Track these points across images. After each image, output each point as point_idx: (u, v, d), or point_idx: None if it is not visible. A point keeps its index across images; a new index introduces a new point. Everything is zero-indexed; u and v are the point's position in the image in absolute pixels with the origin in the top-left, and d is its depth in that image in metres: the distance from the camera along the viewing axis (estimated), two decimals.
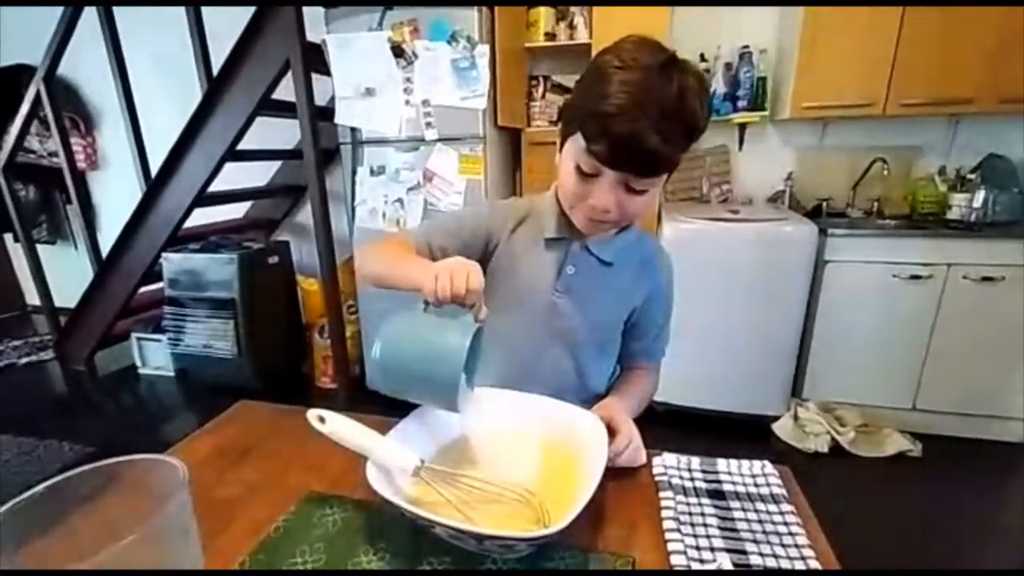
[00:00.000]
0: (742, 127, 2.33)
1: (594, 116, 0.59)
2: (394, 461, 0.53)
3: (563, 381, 0.80)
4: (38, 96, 2.42)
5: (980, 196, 1.89)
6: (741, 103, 2.20)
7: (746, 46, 2.17)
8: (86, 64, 2.79)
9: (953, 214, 1.96)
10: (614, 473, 0.61)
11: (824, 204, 2.25)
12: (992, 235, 1.79)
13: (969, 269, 1.80)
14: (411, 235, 0.77)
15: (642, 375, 0.86)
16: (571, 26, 2.21)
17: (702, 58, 2.27)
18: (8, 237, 3.54)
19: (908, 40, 1.86)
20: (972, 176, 2.03)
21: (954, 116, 2.10)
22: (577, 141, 0.63)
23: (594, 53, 2.35)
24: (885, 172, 2.14)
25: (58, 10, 2.29)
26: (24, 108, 2.46)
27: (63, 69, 2.53)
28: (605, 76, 0.60)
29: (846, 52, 1.92)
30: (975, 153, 2.10)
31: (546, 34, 2.23)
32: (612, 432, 0.64)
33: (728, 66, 2.22)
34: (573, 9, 2.21)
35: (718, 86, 2.22)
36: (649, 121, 0.57)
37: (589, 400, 0.81)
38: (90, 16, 2.29)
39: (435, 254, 0.74)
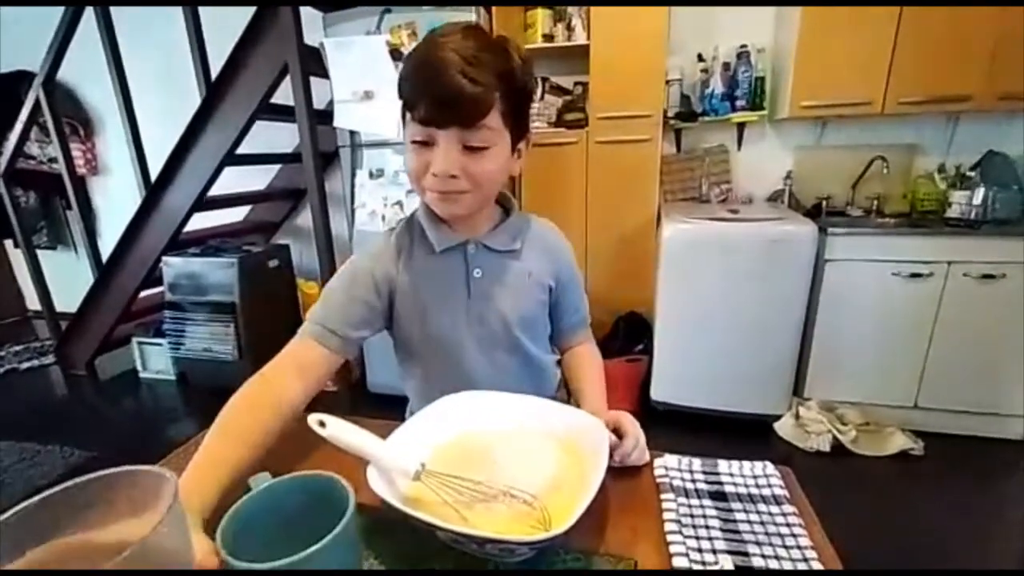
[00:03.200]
0: (741, 126, 2.33)
1: (407, 80, 0.64)
2: (395, 465, 0.53)
3: (516, 379, 0.80)
4: (38, 102, 2.42)
5: (980, 193, 1.89)
6: (739, 103, 2.20)
7: (744, 46, 2.17)
8: (85, 70, 2.79)
9: (953, 212, 1.96)
10: (615, 475, 0.61)
11: (824, 203, 2.25)
12: (992, 232, 1.79)
13: (969, 267, 1.80)
14: (305, 335, 0.71)
15: (585, 352, 0.87)
16: (569, 28, 2.22)
17: (700, 58, 2.28)
18: (9, 243, 3.54)
19: (906, 38, 1.86)
20: (972, 173, 2.03)
21: (953, 113, 2.10)
22: (408, 117, 0.66)
23: (592, 54, 2.35)
24: (884, 170, 2.14)
25: (57, 16, 2.30)
26: (24, 114, 2.47)
27: (62, 75, 2.53)
28: (418, 50, 0.65)
29: (844, 51, 1.92)
30: (974, 150, 2.10)
31: (544, 36, 2.24)
32: (618, 433, 0.65)
33: (726, 66, 2.22)
34: (571, 10, 2.21)
35: (716, 86, 2.22)
36: (453, 67, 0.59)
37: (551, 390, 0.85)
38: (89, 21, 2.30)
39: (340, 334, 0.70)
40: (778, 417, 2.01)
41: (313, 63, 2.01)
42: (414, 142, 0.66)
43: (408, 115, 0.65)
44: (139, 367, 2.75)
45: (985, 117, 2.05)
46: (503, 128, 0.66)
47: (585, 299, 0.89)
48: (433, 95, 0.61)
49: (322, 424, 0.53)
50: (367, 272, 0.74)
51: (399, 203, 2.07)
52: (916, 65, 1.87)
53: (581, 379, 0.83)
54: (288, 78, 2.03)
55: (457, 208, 0.69)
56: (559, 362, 0.90)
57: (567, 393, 0.89)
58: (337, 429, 0.53)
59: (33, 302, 3.45)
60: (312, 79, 2.04)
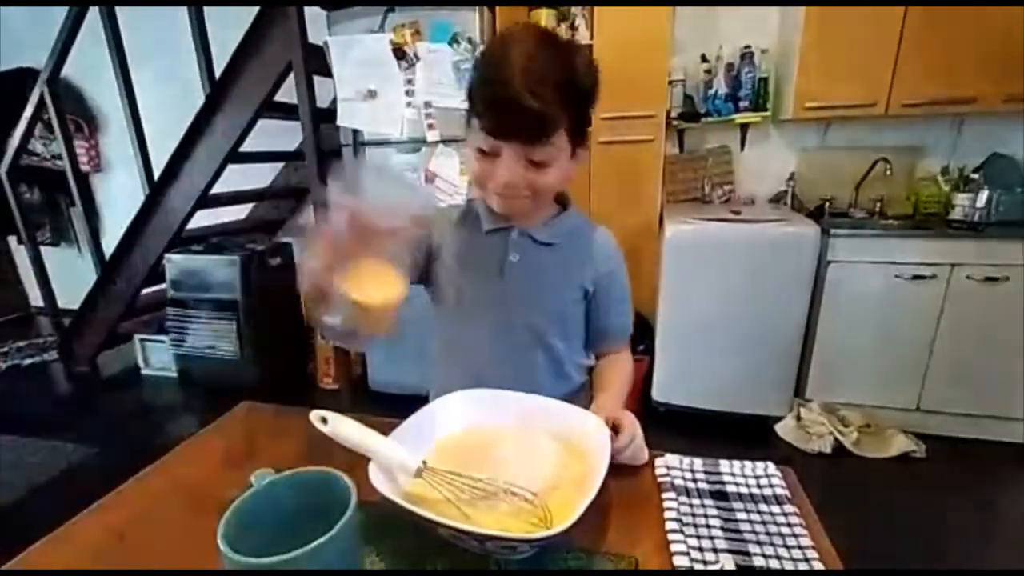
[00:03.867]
0: (744, 127, 2.33)
1: (477, 92, 0.65)
2: (397, 461, 0.53)
3: (537, 370, 0.80)
4: (42, 99, 2.43)
5: (983, 196, 1.89)
6: (743, 103, 2.20)
7: (748, 46, 2.17)
8: (89, 67, 2.80)
9: (956, 214, 1.95)
10: (617, 474, 0.61)
11: (827, 204, 2.24)
12: (996, 235, 1.79)
13: (972, 269, 1.80)
14: None
15: (617, 360, 0.87)
16: (572, 27, 2.21)
17: (703, 58, 2.27)
18: (12, 239, 3.56)
19: (910, 39, 1.85)
20: (975, 176, 2.02)
21: (957, 115, 2.09)
22: (474, 123, 0.67)
23: (596, 54, 2.35)
24: (888, 172, 2.13)
25: (61, 14, 2.30)
26: (28, 111, 2.48)
27: (67, 72, 2.54)
28: (489, 56, 0.66)
29: (848, 52, 1.92)
30: (978, 152, 2.10)
31: None
32: (616, 429, 0.64)
33: (730, 66, 2.21)
34: (574, 11, 2.21)
35: (719, 86, 2.22)
36: (523, 84, 0.60)
37: (573, 390, 0.83)
38: (93, 19, 2.30)
39: None
40: (779, 418, 2.01)
41: (316, 62, 2.02)
42: (480, 151, 0.67)
43: (476, 123, 0.66)
44: (141, 364, 2.75)
45: (989, 119, 2.04)
46: (566, 142, 0.67)
47: (630, 313, 0.88)
48: (499, 110, 0.62)
49: (324, 420, 0.53)
50: (425, 230, 0.79)
51: None
52: (920, 67, 1.87)
53: (600, 383, 0.83)
54: (291, 76, 2.03)
55: (517, 211, 0.73)
56: (589, 369, 0.89)
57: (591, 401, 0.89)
58: (339, 426, 0.53)
59: (36, 298, 3.46)
60: (315, 78, 2.04)
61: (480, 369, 0.76)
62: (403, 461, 0.53)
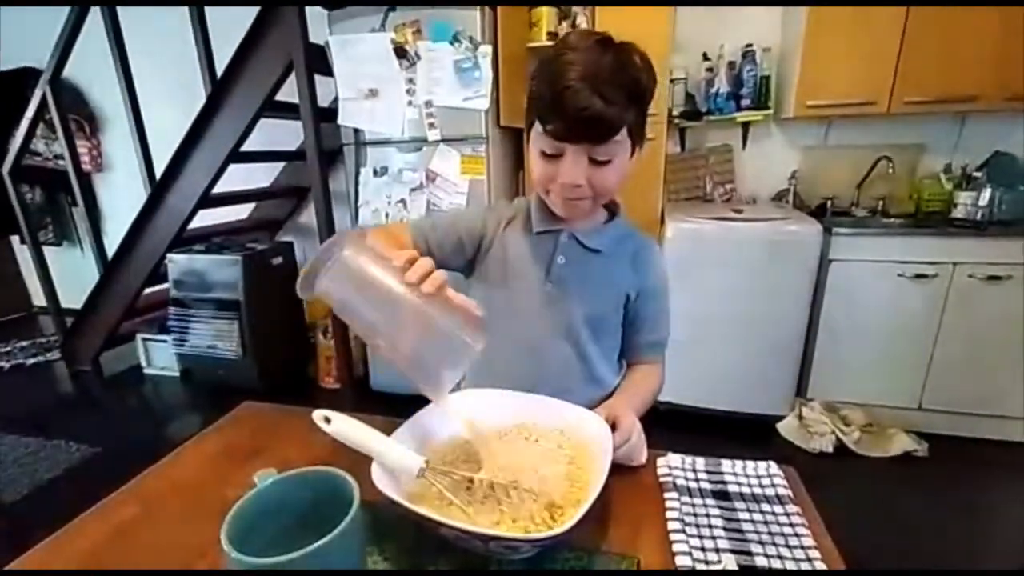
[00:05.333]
0: (745, 126, 2.32)
1: (543, 97, 0.65)
2: (399, 462, 0.53)
3: (571, 373, 0.81)
4: (44, 99, 2.43)
5: (986, 194, 1.88)
6: (744, 102, 2.19)
7: (749, 44, 2.16)
8: (91, 67, 2.80)
9: (959, 212, 1.95)
10: (619, 474, 0.61)
11: (828, 203, 2.24)
12: (998, 233, 1.78)
13: (975, 268, 1.79)
14: (411, 226, 0.81)
15: (647, 371, 0.87)
16: (574, 26, 2.21)
17: (705, 57, 2.27)
18: (15, 239, 3.57)
19: (913, 37, 1.85)
20: (978, 174, 2.02)
21: (960, 114, 2.08)
22: (537, 128, 0.68)
23: None
24: (890, 170, 2.13)
25: (63, 13, 2.31)
26: (30, 111, 2.48)
27: (68, 72, 2.54)
28: (549, 63, 0.66)
29: (850, 50, 1.91)
30: (981, 151, 2.09)
31: (549, 34, 2.23)
32: (613, 428, 0.64)
33: (731, 65, 2.21)
34: (576, 8, 2.20)
35: (721, 85, 2.22)
36: (589, 87, 0.61)
37: (604, 396, 0.82)
38: (95, 19, 2.31)
39: (431, 248, 0.79)
40: (781, 417, 2.01)
41: (318, 60, 2.02)
42: (544, 154, 0.69)
43: (538, 127, 0.67)
44: (144, 363, 2.76)
45: (992, 117, 2.04)
46: (627, 140, 0.69)
47: (668, 324, 0.88)
48: (568, 115, 0.63)
49: (327, 420, 0.53)
50: (477, 217, 0.83)
51: (403, 201, 2.07)
52: (923, 65, 1.86)
53: (622, 387, 0.83)
54: (293, 75, 2.03)
55: (577, 212, 0.74)
56: (621, 376, 0.89)
57: None
58: (342, 425, 0.53)
59: (39, 298, 3.47)
60: (317, 77, 2.04)
61: (514, 368, 0.77)
62: (405, 461, 0.53)
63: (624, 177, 0.72)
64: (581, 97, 0.61)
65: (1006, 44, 1.78)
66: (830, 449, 1.86)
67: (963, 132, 2.14)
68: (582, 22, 2.18)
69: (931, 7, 1.80)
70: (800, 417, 1.97)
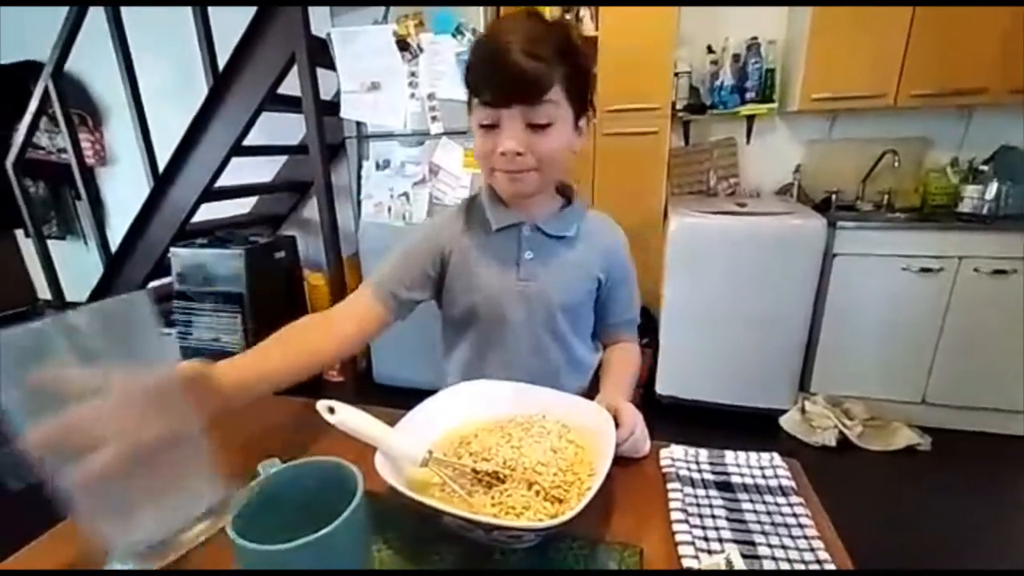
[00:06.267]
0: (750, 119, 2.31)
1: (473, 67, 0.66)
2: (403, 451, 0.54)
3: (554, 362, 0.81)
4: (46, 92, 2.43)
5: (993, 188, 1.87)
6: (749, 95, 2.18)
7: (754, 37, 2.14)
8: (93, 61, 2.80)
9: (965, 206, 1.93)
10: (622, 464, 0.61)
11: (833, 197, 2.22)
12: (1004, 227, 1.77)
13: (980, 262, 1.78)
14: (370, 287, 0.77)
15: (626, 349, 0.87)
16: (577, 19, 2.19)
17: (709, 50, 2.25)
18: (19, 233, 3.58)
19: (920, 30, 1.83)
20: (984, 168, 2.00)
21: (966, 107, 2.06)
22: (474, 105, 0.68)
23: (600, 46, 2.32)
24: (895, 164, 2.11)
25: (65, 7, 2.30)
26: (33, 104, 2.48)
27: (70, 65, 2.54)
28: (481, 40, 0.68)
29: (856, 42, 1.89)
30: (988, 144, 2.07)
31: None
32: (616, 422, 0.64)
33: (736, 57, 2.19)
34: None
35: (725, 78, 2.20)
36: (514, 47, 0.61)
37: (585, 374, 0.85)
38: (97, 12, 2.30)
39: (398, 296, 0.76)
40: (784, 411, 2.01)
41: (320, 53, 2.01)
42: (481, 126, 0.68)
43: (475, 102, 0.67)
44: None
45: (999, 110, 2.02)
46: (565, 103, 0.67)
47: (637, 300, 0.88)
48: (496, 77, 0.63)
49: (331, 410, 0.53)
50: (428, 239, 0.80)
51: (405, 194, 2.07)
52: (930, 57, 1.84)
53: (607, 373, 0.83)
54: (295, 69, 2.03)
55: (523, 187, 0.71)
56: (599, 359, 0.89)
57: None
58: (346, 415, 0.53)
59: (44, 291, 3.49)
60: (319, 70, 2.03)
61: (501, 368, 0.77)
62: (409, 451, 0.53)
63: (568, 147, 0.71)
64: (508, 58, 0.61)
65: (1014, 37, 1.76)
66: (833, 443, 1.86)
67: (970, 125, 2.12)
68: (585, 15, 2.17)
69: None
70: (803, 411, 1.97)
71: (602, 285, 0.82)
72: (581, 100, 0.70)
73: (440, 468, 0.54)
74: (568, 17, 2.20)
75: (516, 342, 0.79)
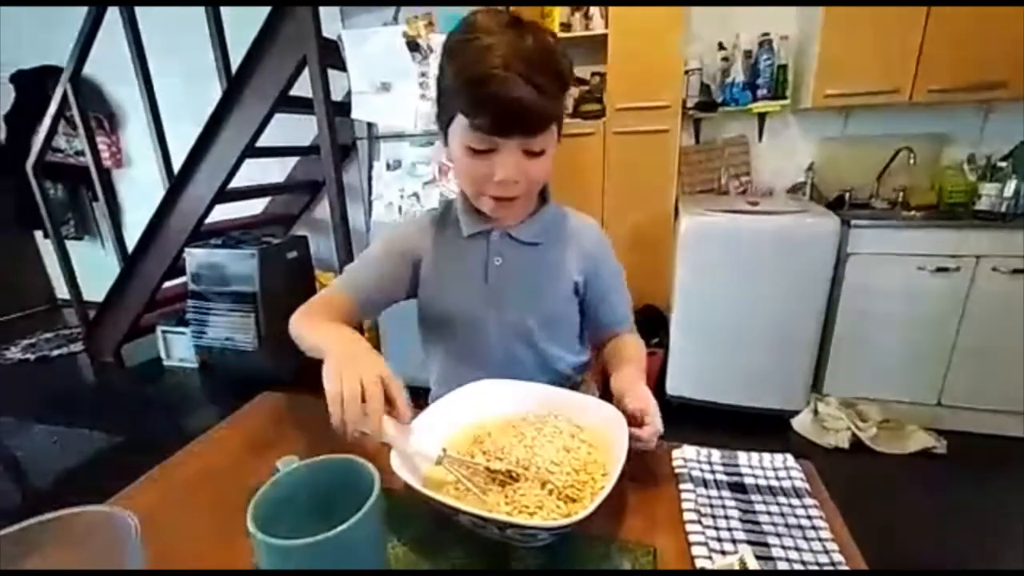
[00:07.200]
0: (762, 117, 2.28)
1: (466, 90, 0.60)
2: (417, 449, 0.54)
3: (530, 373, 0.78)
4: (65, 96, 2.48)
5: (1012, 185, 1.83)
6: (761, 92, 2.15)
7: (766, 33, 2.12)
8: (110, 65, 2.85)
9: (983, 204, 1.89)
10: (635, 464, 0.61)
11: (847, 195, 2.19)
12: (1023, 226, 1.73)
13: (999, 261, 1.75)
14: (343, 287, 0.78)
15: (623, 337, 0.84)
16: (587, 17, 2.19)
17: (721, 47, 2.23)
18: (38, 234, 3.65)
19: (936, 24, 1.79)
20: (1003, 164, 1.96)
21: (984, 102, 2.02)
22: (459, 122, 0.63)
23: (611, 44, 2.30)
24: (911, 161, 2.08)
25: (82, 12, 2.34)
26: (52, 108, 2.53)
27: (88, 70, 2.59)
28: (463, 51, 0.61)
29: (870, 37, 1.86)
30: (1006, 140, 2.02)
31: (562, 25, 2.21)
32: (640, 420, 0.61)
33: (748, 54, 2.17)
34: None
35: (737, 75, 2.18)
36: (521, 78, 0.57)
37: (566, 384, 0.80)
38: (113, 17, 2.34)
39: (371, 295, 0.78)
40: (796, 413, 1.99)
41: (331, 55, 2.03)
42: (473, 150, 0.64)
43: (463, 122, 0.63)
44: (163, 355, 2.82)
45: (1018, 106, 1.97)
46: (555, 129, 0.67)
47: (627, 299, 0.86)
48: (498, 107, 0.59)
49: None
50: (401, 240, 0.80)
51: (416, 195, 2.08)
52: (946, 51, 1.81)
53: (617, 358, 0.78)
54: (306, 70, 2.05)
55: (512, 212, 0.72)
56: (585, 365, 0.87)
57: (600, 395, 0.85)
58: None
59: (62, 291, 3.55)
60: (330, 71, 2.05)
61: (474, 376, 0.73)
62: (423, 449, 0.54)
63: (550, 168, 0.70)
64: (512, 87, 0.57)
65: None
66: (846, 445, 1.84)
67: (987, 121, 2.08)
68: (595, 13, 2.16)
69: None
70: (815, 413, 1.95)
71: (583, 289, 0.80)
72: (561, 121, 0.68)
73: (454, 467, 0.54)
74: (577, 16, 2.20)
75: (487, 347, 0.78)
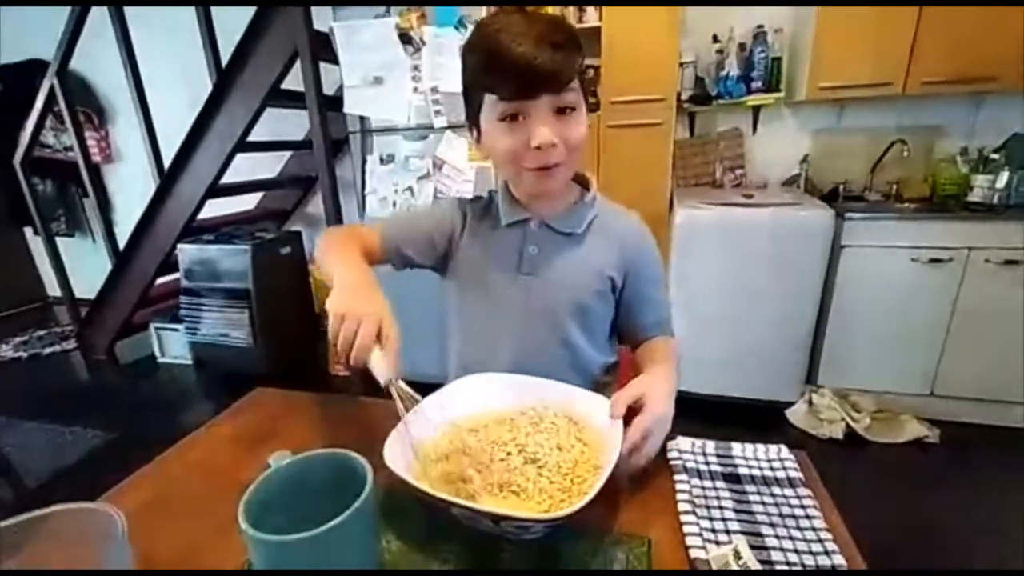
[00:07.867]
0: (756, 109, 2.28)
1: (486, 66, 0.65)
2: (377, 370, 0.55)
3: (557, 363, 0.77)
4: (52, 90, 2.44)
5: (1003, 177, 1.84)
6: (755, 84, 2.15)
7: (760, 26, 2.11)
8: (98, 59, 2.81)
9: (975, 196, 1.91)
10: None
11: (841, 187, 2.20)
12: (1016, 217, 1.74)
13: (991, 252, 1.76)
14: (381, 229, 0.79)
15: (655, 341, 0.80)
16: (581, 10, 2.18)
17: (715, 39, 2.22)
18: (28, 230, 3.61)
19: (929, 16, 1.80)
20: (995, 156, 1.97)
21: (977, 95, 2.03)
22: (487, 102, 0.67)
23: (604, 37, 2.29)
24: (904, 154, 2.09)
25: (66, 7, 2.31)
26: (39, 102, 2.49)
27: (75, 64, 2.55)
28: (478, 41, 0.66)
29: (864, 30, 1.86)
30: (999, 133, 2.04)
31: None
32: (635, 411, 0.59)
33: (742, 47, 2.17)
34: None
35: (731, 68, 2.17)
36: (536, 40, 0.61)
37: (587, 382, 0.78)
38: (101, 10, 2.31)
39: (402, 248, 0.79)
40: (790, 404, 2.00)
41: (322, 48, 2.01)
42: (504, 120, 0.66)
43: (490, 99, 0.66)
44: (157, 352, 2.80)
45: (1010, 99, 1.98)
46: (580, 91, 0.67)
47: (667, 299, 0.83)
48: (520, 70, 0.61)
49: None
50: (445, 213, 0.82)
51: (410, 189, 2.07)
52: (940, 44, 1.81)
53: (644, 362, 0.76)
54: (298, 64, 2.02)
55: (554, 183, 0.71)
56: (613, 366, 0.85)
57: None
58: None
59: (54, 288, 3.53)
60: (321, 64, 2.03)
61: (500, 361, 0.75)
62: (381, 369, 0.54)
63: (588, 135, 0.71)
64: (528, 49, 0.60)
65: None
66: (840, 436, 1.85)
67: (980, 114, 2.09)
68: (589, 6, 2.15)
69: None
70: (810, 403, 1.97)
71: (619, 285, 0.79)
72: (586, 94, 0.70)
73: (402, 394, 0.56)
74: (570, 8, 2.19)
75: (514, 336, 0.78)
